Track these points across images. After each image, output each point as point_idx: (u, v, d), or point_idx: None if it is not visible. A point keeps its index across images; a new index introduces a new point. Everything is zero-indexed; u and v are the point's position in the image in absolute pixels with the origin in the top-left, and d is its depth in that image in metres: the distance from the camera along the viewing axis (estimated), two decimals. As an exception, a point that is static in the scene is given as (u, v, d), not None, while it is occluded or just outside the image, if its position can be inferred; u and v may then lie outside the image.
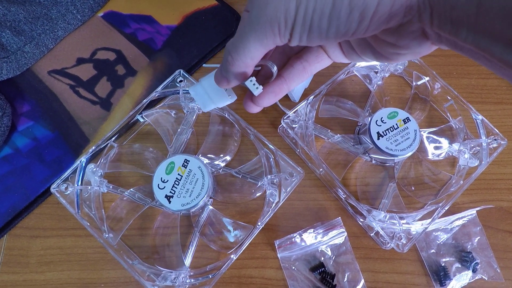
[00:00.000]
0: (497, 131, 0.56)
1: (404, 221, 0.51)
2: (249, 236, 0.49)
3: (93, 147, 0.52)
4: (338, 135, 0.58)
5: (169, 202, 0.49)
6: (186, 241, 0.53)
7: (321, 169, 0.56)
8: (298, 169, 0.51)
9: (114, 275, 0.51)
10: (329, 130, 0.58)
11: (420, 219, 0.52)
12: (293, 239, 0.52)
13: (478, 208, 0.54)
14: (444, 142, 0.59)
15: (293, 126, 0.54)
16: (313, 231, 0.52)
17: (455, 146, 0.58)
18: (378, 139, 0.54)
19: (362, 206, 0.51)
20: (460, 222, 0.55)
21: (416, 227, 0.50)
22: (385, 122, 0.55)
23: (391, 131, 0.54)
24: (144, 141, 0.58)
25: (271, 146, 0.53)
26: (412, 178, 0.57)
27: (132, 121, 0.57)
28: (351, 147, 0.58)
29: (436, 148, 0.59)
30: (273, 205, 0.51)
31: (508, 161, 0.59)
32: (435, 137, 0.59)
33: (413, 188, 0.57)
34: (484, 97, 0.64)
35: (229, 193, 0.55)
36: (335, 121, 0.60)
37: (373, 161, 0.58)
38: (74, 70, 0.62)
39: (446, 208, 0.50)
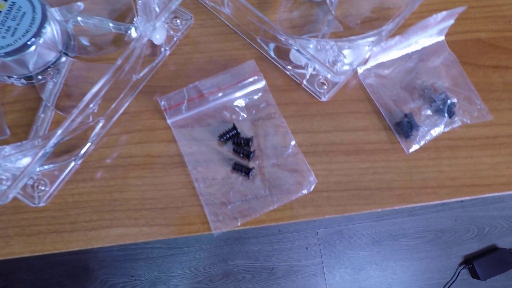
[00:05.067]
0: None
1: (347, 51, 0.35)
2: (127, 96, 0.32)
3: None
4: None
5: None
6: (31, 119, 0.35)
7: (228, 9, 0.39)
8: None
9: None
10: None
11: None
12: (184, 95, 0.35)
13: (443, 14, 0.38)
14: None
15: None
16: (215, 81, 0.36)
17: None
18: None
19: (288, 35, 0.34)
20: (423, 55, 0.39)
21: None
22: None
23: None
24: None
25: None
26: (356, 13, 0.41)
27: None
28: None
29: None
30: (159, 58, 0.35)
31: (483, -15, 0.44)
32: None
33: (358, 22, 0.41)
34: None
35: (89, 47, 0.38)
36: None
37: (303, -1, 0.42)
38: None
39: (397, 21, 0.35)
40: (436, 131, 0.36)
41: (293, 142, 0.35)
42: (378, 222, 1.18)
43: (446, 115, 0.36)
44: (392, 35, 0.38)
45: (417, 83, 0.38)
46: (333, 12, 0.41)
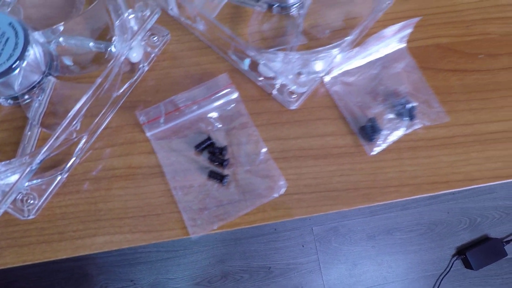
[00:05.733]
0: None
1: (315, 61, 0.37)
2: (108, 112, 0.35)
3: None
4: (221, -19, 0.44)
5: (-36, 70, 0.34)
6: (19, 137, 0.38)
7: (201, 25, 0.42)
8: (152, 2, 0.37)
9: None
10: (209, -22, 0.44)
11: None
12: (162, 109, 0.38)
13: (403, 27, 0.41)
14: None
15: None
16: (190, 94, 0.38)
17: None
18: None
19: (252, 47, 0.37)
20: (385, 62, 0.42)
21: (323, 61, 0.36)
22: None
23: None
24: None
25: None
26: (324, 24, 0.44)
27: None
28: (239, -5, 0.44)
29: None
30: (137, 74, 0.37)
31: (442, -8, 0.47)
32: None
33: (327, 32, 0.43)
34: None
35: (72, 66, 0.40)
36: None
37: (274, 11, 0.44)
38: None
39: (357, 32, 0.37)
40: (398, 134, 0.39)
41: (264, 150, 0.38)
42: (371, 218, 1.21)
43: (407, 118, 0.39)
44: (358, 43, 0.41)
45: (381, 89, 0.41)
46: (301, 24, 0.43)
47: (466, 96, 0.41)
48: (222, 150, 0.37)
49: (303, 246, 1.17)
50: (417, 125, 0.39)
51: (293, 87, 0.35)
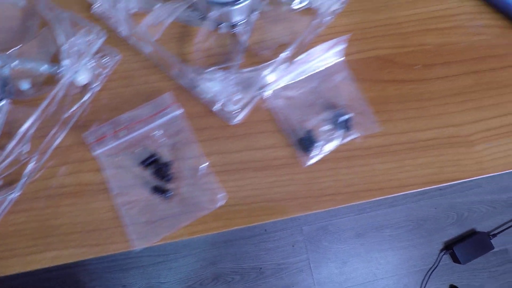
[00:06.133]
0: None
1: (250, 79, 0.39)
2: (59, 132, 0.37)
3: None
4: (167, 3, 0.46)
5: None
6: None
7: (148, 47, 0.44)
8: (96, 28, 0.39)
9: None
10: (156, -1, 0.46)
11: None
12: (109, 128, 0.40)
13: (335, 44, 0.43)
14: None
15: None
16: (137, 113, 0.40)
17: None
18: (206, -11, 0.42)
19: (190, 68, 0.39)
20: (324, 76, 0.44)
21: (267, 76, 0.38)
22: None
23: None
24: None
25: (64, 14, 0.40)
26: (269, 40, 0.46)
27: None
28: (185, 16, 0.46)
29: None
30: (87, 95, 0.39)
31: (380, 7, 0.48)
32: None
33: (272, 48, 0.45)
34: None
35: (26, 89, 0.42)
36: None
37: (221, 29, 0.46)
38: None
39: (290, 51, 0.39)
40: (333, 144, 0.41)
41: (205, 164, 0.40)
42: (361, 215, 1.22)
43: (343, 129, 0.41)
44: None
45: (319, 102, 0.42)
46: (245, 41, 0.45)
47: (402, 106, 0.43)
48: (166, 165, 0.39)
49: (293, 246, 1.18)
50: (353, 135, 0.41)
51: (229, 105, 0.37)
